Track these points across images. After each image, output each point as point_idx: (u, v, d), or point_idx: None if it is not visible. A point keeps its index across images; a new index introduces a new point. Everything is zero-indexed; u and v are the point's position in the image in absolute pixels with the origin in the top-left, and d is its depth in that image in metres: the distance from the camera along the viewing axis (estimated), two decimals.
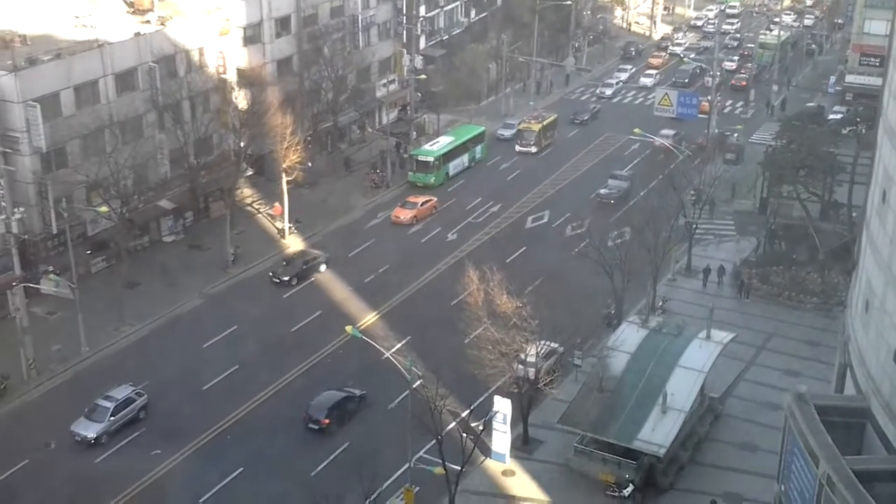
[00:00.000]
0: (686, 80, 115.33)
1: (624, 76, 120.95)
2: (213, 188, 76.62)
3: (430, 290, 69.38)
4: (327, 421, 53.16)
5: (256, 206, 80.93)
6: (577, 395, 51.67)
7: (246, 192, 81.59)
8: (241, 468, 50.65)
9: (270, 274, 70.03)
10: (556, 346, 56.88)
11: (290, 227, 77.22)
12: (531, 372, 52.47)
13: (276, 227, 78.21)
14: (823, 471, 33.35)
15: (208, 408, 55.57)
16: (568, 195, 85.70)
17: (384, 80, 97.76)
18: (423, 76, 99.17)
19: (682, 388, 49.65)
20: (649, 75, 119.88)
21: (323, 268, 71.42)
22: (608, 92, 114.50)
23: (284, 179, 75.64)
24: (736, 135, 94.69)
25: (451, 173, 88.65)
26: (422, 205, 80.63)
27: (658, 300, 65.02)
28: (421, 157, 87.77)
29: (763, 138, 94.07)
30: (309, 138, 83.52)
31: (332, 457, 51.21)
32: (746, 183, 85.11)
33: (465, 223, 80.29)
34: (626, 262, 60.91)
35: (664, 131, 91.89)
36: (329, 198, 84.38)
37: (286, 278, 69.50)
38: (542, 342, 53.00)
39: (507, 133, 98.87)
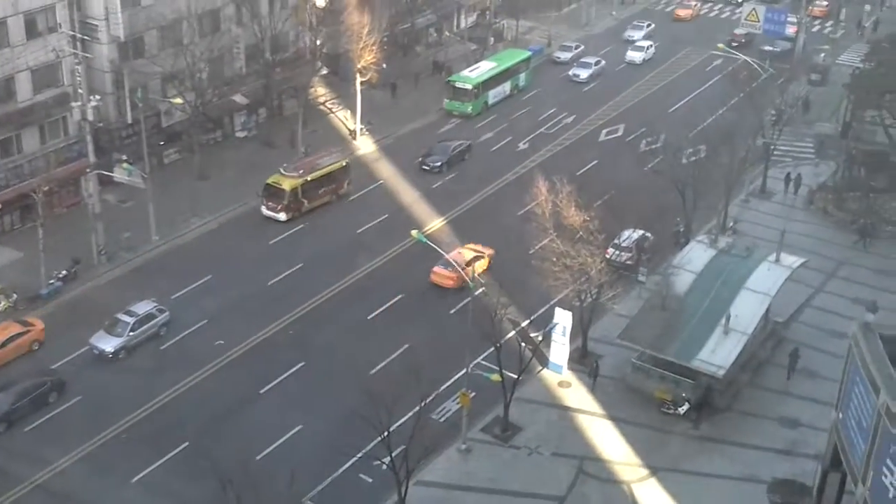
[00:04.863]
0: None
1: (638, 35, 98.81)
2: (287, 86, 76.52)
3: (498, 199, 68.99)
4: None
5: (329, 106, 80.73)
6: (639, 312, 51.41)
7: (319, 91, 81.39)
8: (302, 363, 51.53)
9: None
10: (647, 234, 58.90)
11: (361, 129, 77.04)
12: (625, 256, 55.22)
13: (347, 127, 78.08)
14: (883, 401, 32.95)
15: (272, 303, 56.40)
16: (645, 109, 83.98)
17: None
18: None
19: (747, 311, 49.04)
20: (639, 48, 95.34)
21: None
22: (583, 75, 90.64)
23: (358, 80, 75.19)
24: (823, 55, 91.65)
25: (490, 102, 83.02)
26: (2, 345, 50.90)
27: (729, 221, 63.93)
28: (458, 84, 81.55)
29: (851, 59, 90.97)
30: (385, 39, 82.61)
31: (391, 357, 51.71)
32: (830, 105, 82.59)
33: (538, 133, 79.25)
34: (699, 181, 59.78)
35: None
36: (404, 100, 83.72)
37: None
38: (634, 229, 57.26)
39: (564, 56, 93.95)
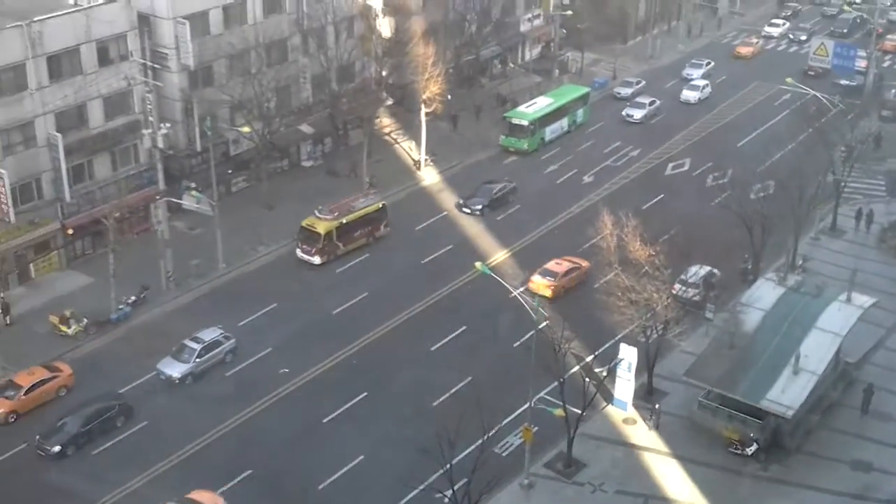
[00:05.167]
0: (845, 31, 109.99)
1: (696, 74, 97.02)
2: (353, 116, 77.09)
3: (563, 231, 68.64)
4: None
5: (394, 136, 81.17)
6: (706, 349, 50.75)
7: (385, 122, 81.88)
8: (365, 393, 51.53)
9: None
10: (715, 270, 58.96)
11: (425, 160, 77.26)
12: (691, 292, 54.97)
13: (412, 158, 78.39)
14: None
15: (336, 332, 56.58)
16: (712, 143, 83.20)
17: (529, 15, 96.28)
18: (569, 12, 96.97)
19: (817, 351, 48.22)
20: (695, 87, 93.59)
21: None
22: (637, 115, 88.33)
23: (423, 111, 75.52)
24: (894, 91, 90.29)
25: (547, 138, 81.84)
26: None
27: (798, 258, 62.95)
28: (515, 120, 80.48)
29: None
30: (450, 71, 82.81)
31: (454, 389, 51.55)
32: None
33: (603, 166, 78.88)
34: (767, 217, 58.99)
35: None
36: (467, 132, 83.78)
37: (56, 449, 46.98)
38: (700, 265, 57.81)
39: (625, 91, 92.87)
